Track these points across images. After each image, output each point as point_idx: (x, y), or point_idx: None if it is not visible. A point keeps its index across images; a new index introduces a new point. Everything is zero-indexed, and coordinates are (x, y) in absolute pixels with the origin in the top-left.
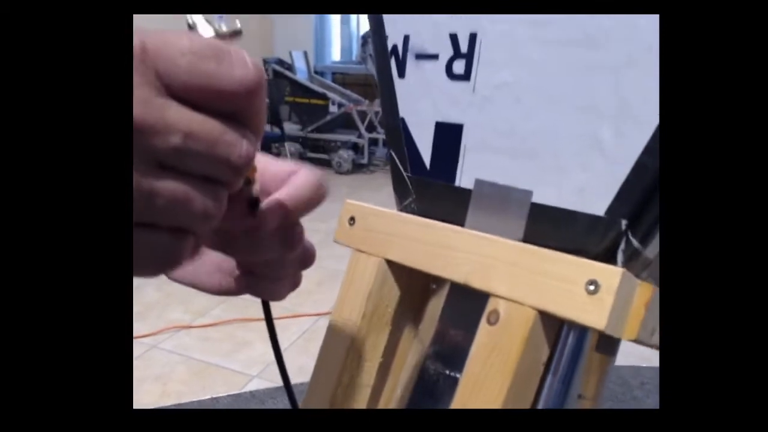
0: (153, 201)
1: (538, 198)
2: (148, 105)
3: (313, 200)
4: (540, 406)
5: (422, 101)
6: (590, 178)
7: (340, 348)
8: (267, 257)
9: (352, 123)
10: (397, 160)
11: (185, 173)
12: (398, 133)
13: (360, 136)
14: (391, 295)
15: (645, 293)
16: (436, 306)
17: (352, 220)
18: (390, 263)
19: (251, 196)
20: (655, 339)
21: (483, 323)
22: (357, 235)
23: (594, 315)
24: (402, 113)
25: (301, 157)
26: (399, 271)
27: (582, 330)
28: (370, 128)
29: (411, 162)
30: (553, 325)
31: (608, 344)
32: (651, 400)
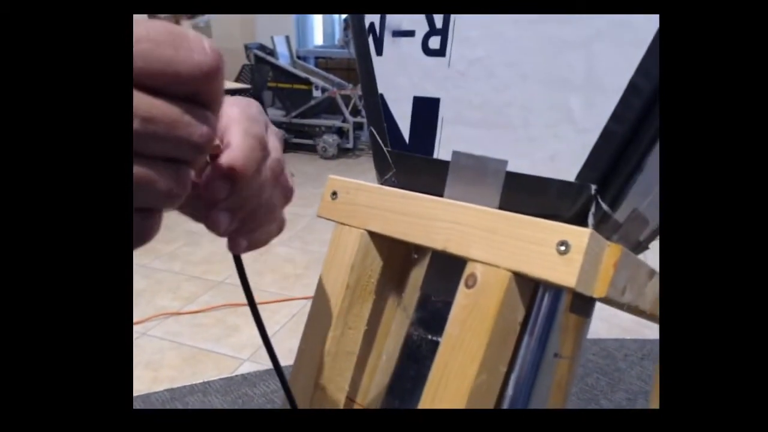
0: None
1: (512, 167)
2: None
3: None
4: (517, 364)
5: (400, 77)
6: (561, 147)
7: (326, 318)
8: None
9: (336, 107)
10: (377, 136)
11: (147, 156)
12: (377, 110)
13: (344, 120)
14: (373, 265)
15: (614, 253)
16: (418, 275)
17: (334, 194)
18: (372, 234)
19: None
20: (626, 298)
21: (461, 287)
22: (339, 209)
23: (565, 274)
24: (381, 89)
25: (286, 143)
26: (381, 241)
27: (556, 292)
28: (355, 112)
29: (390, 137)
30: (527, 287)
31: (582, 305)
32: (634, 372)
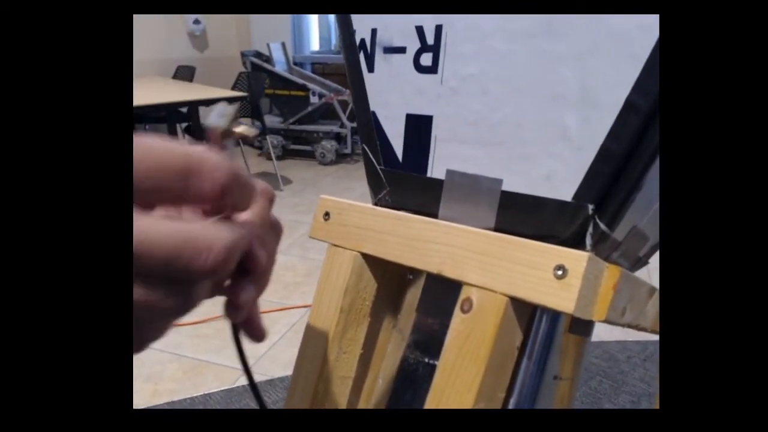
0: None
1: (507, 186)
2: None
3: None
4: (516, 389)
5: (392, 94)
6: (557, 165)
7: (320, 343)
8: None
9: (334, 113)
10: (370, 154)
11: (147, 281)
12: (370, 127)
13: (342, 125)
14: (368, 288)
15: (613, 275)
16: (413, 296)
17: (327, 215)
18: (366, 256)
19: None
20: (626, 318)
21: (457, 311)
22: (332, 230)
23: (563, 299)
24: (373, 107)
25: (284, 149)
26: (375, 263)
27: (554, 314)
28: (352, 118)
29: (383, 155)
30: (525, 311)
31: (582, 326)
32: (637, 374)
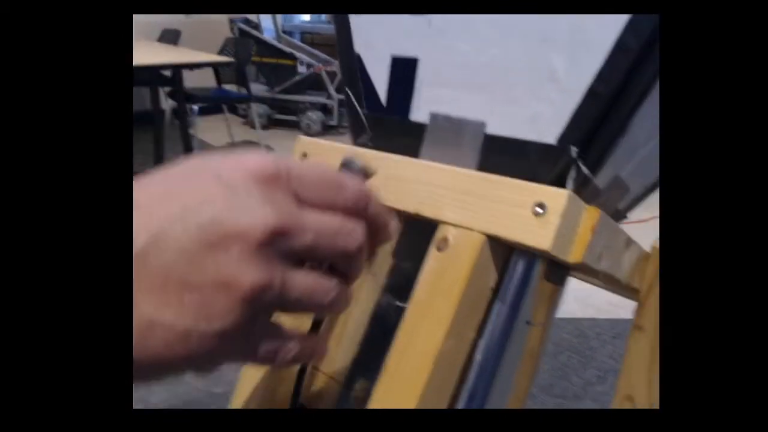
0: (290, 289)
1: (491, 129)
2: (291, 214)
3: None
4: (487, 331)
5: (378, 36)
6: (543, 107)
7: None
8: None
9: (322, 84)
10: (353, 98)
11: (315, 266)
12: (354, 71)
13: (329, 97)
14: None
15: (592, 217)
16: (389, 243)
17: (304, 155)
18: None
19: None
20: (603, 265)
21: (432, 250)
22: None
23: (540, 237)
24: (358, 49)
25: (269, 119)
26: None
27: (530, 258)
28: (340, 89)
29: (367, 99)
30: (501, 251)
31: (557, 273)
32: (606, 350)
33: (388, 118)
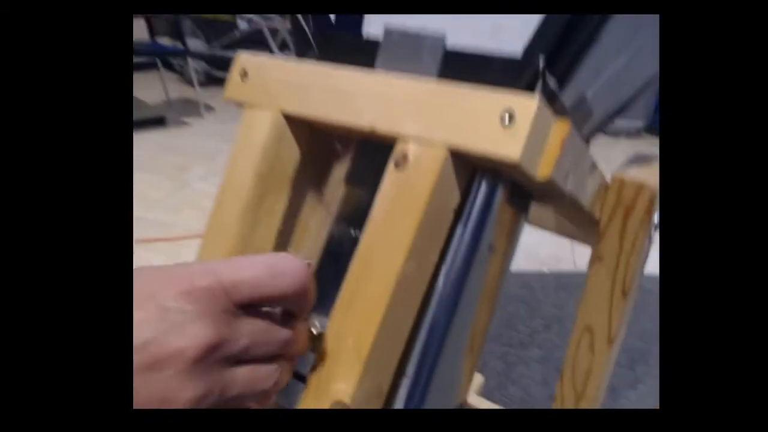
0: (229, 389)
1: (451, 42)
2: (224, 326)
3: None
4: (449, 255)
5: None
6: (505, 18)
7: (233, 211)
8: None
9: (264, 41)
10: (300, 18)
11: (248, 361)
12: None
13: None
14: (290, 154)
15: (562, 129)
16: (342, 168)
17: (244, 73)
18: (289, 119)
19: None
20: (569, 185)
21: (390, 168)
22: (250, 90)
23: (508, 147)
24: None
25: (208, 76)
26: (299, 128)
27: (494, 180)
28: (283, 47)
29: (315, 17)
30: (464, 168)
31: (520, 199)
32: (550, 300)
33: (337, 35)
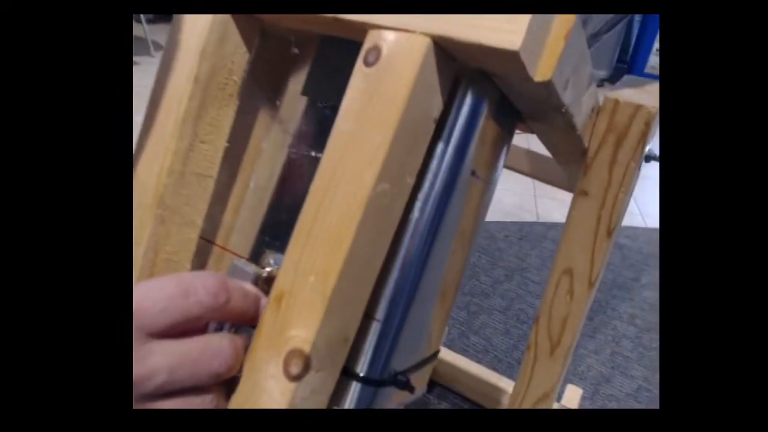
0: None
1: None
2: (136, 361)
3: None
4: (428, 178)
5: None
6: None
7: (167, 125)
8: None
9: None
10: None
11: (178, 393)
12: None
13: None
14: (235, 56)
15: (567, 20)
16: (299, 78)
17: None
18: (234, 16)
19: None
20: (567, 96)
21: (359, 65)
22: None
23: (507, 34)
24: None
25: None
26: (246, 24)
27: (481, 89)
28: None
29: None
30: (448, 68)
31: (506, 115)
32: (513, 251)
33: None
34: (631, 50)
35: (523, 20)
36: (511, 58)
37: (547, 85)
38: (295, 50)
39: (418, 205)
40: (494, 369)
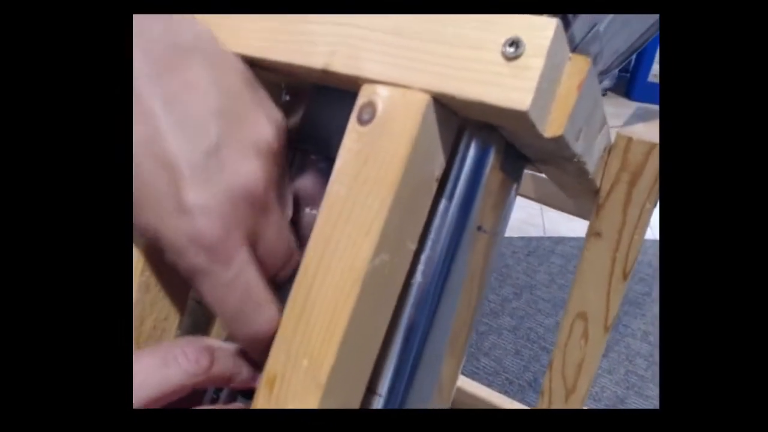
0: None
1: None
2: None
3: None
4: (431, 238)
5: None
6: None
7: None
8: None
9: None
10: None
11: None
12: None
13: None
14: None
15: (581, 69)
16: (291, 124)
17: None
18: None
19: None
20: (579, 146)
21: (352, 123)
22: None
23: (514, 91)
24: None
25: None
26: None
27: (486, 138)
28: None
29: None
30: (451, 122)
31: (513, 163)
32: (521, 267)
33: None
34: (634, 59)
35: (533, 70)
36: (519, 117)
37: (558, 139)
38: (287, 97)
39: (420, 268)
40: (505, 392)
